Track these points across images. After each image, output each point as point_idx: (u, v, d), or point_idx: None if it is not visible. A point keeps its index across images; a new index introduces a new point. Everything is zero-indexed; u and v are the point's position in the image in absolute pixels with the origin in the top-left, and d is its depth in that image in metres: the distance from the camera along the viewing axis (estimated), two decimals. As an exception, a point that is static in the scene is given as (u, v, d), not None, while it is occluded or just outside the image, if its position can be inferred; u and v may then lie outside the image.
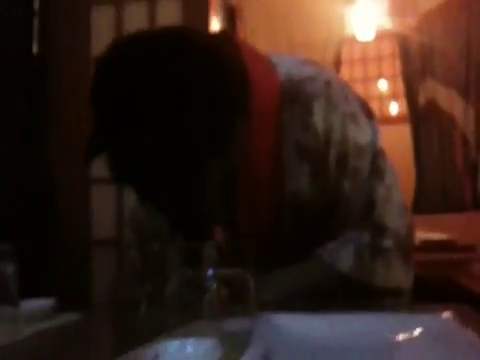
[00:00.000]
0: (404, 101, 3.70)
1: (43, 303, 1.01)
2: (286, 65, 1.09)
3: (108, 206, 3.00)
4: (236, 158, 1.00)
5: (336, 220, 1.08)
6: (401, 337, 0.69)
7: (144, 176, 0.93)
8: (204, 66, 0.91)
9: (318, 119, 1.04)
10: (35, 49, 3.07)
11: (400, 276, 1.05)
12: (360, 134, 1.07)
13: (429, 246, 2.06)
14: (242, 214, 1.07)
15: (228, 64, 0.95)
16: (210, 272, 0.69)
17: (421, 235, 2.03)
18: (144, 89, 0.88)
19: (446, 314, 0.74)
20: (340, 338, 0.69)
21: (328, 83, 1.07)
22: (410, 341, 0.68)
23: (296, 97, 1.05)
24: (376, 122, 1.12)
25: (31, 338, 0.88)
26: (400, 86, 3.90)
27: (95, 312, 0.99)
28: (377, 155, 1.08)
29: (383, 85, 4.67)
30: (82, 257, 2.97)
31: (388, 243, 1.04)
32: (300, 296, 1.01)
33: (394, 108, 4.53)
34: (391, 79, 4.55)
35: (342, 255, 1.03)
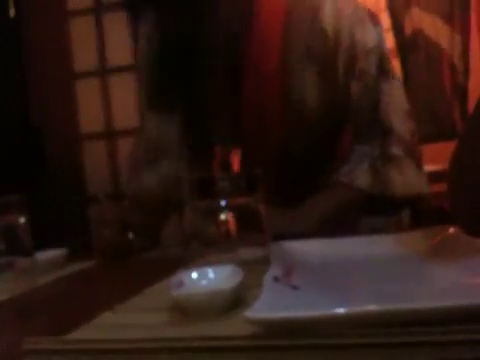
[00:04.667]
0: (388, 36, 3.66)
1: (56, 253, 1.01)
2: None
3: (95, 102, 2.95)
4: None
5: (346, 128, 1.11)
6: (414, 249, 0.71)
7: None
8: None
9: (327, 22, 1.07)
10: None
11: (417, 182, 1.07)
12: (367, 37, 1.09)
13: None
14: (249, 120, 1.09)
15: None
16: (223, 203, 0.70)
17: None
18: None
19: (452, 228, 0.76)
20: (354, 258, 0.70)
21: None
22: (423, 253, 0.70)
23: (304, 1, 1.08)
24: (382, 28, 1.14)
25: (47, 286, 0.89)
26: (383, 21, 3.86)
27: (107, 259, 1.00)
28: (383, 58, 1.11)
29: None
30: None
31: (397, 150, 1.06)
32: (330, 221, 1.03)
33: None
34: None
35: (358, 173, 1.04)
